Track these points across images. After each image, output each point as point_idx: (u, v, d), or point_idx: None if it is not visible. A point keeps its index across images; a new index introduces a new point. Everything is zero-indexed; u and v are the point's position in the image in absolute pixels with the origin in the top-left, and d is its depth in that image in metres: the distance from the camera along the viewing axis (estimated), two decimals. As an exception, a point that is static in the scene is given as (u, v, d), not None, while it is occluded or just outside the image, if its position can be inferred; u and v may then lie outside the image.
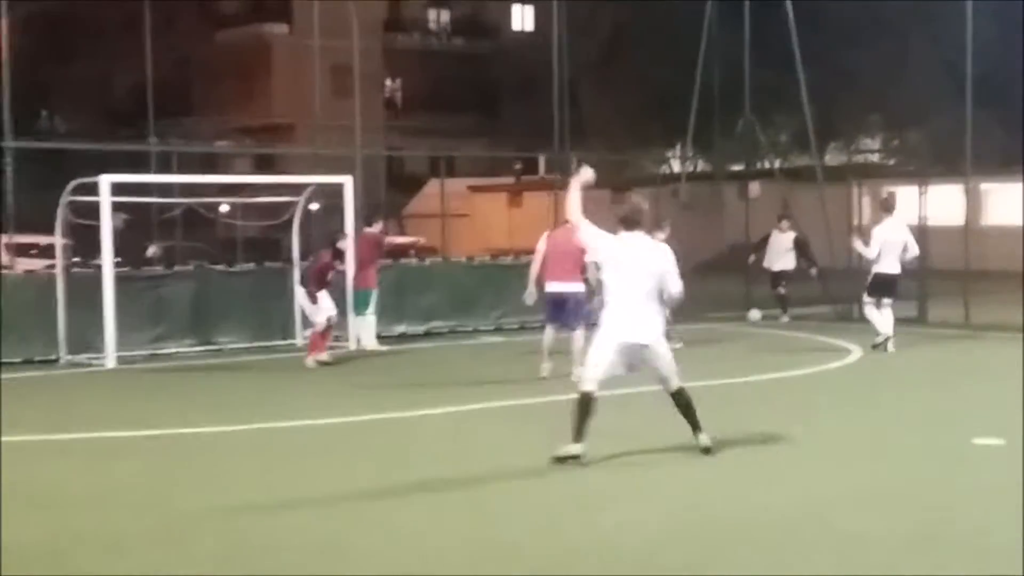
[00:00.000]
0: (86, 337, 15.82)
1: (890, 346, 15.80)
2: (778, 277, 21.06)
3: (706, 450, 9.24)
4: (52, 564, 6.69)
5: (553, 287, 13.59)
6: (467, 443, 10.26)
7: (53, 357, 15.77)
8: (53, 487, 8.61)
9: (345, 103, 25.27)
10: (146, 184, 20.26)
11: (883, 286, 15.99)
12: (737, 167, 33.19)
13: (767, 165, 30.14)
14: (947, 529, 7.27)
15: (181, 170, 22.26)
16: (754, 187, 31.16)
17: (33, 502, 8.06)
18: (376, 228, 17.60)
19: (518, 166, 46.58)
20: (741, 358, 15.86)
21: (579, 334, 13.17)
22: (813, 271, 21.08)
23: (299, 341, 16.96)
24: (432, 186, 38.84)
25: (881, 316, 15.92)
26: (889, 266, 15.90)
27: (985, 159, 25.85)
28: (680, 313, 20.09)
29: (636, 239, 9.24)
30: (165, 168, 22.20)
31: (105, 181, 15.54)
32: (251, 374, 15.24)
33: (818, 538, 7.13)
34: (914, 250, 16.18)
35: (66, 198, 16.40)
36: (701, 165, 36.40)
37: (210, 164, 38.98)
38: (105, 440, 10.47)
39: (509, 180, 46.43)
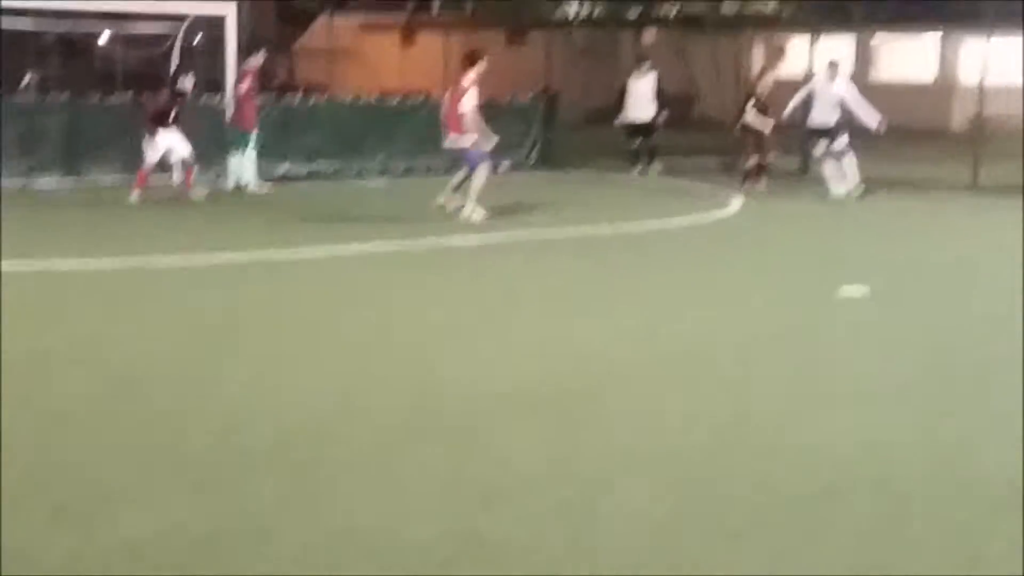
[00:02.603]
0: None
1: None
2: (637, 129, 19.73)
3: None
4: None
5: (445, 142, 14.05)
6: (348, 285, 10.14)
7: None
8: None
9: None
10: (21, 8, 19.24)
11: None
12: (633, 14, 32.83)
13: (662, 12, 29.83)
14: (821, 374, 7.39)
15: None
16: (648, 34, 30.92)
17: None
18: (256, 62, 16.87)
19: (411, 3, 45.44)
20: (624, 205, 15.87)
21: (480, 172, 13.57)
22: (660, 118, 19.64)
23: (176, 178, 16.44)
24: (323, 22, 37.81)
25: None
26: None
27: (878, 12, 25.87)
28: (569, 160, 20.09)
29: None
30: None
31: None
32: (122, 210, 14.78)
33: (700, 379, 7.23)
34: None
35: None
36: (597, 11, 35.91)
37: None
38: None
39: (402, 17, 45.32)
